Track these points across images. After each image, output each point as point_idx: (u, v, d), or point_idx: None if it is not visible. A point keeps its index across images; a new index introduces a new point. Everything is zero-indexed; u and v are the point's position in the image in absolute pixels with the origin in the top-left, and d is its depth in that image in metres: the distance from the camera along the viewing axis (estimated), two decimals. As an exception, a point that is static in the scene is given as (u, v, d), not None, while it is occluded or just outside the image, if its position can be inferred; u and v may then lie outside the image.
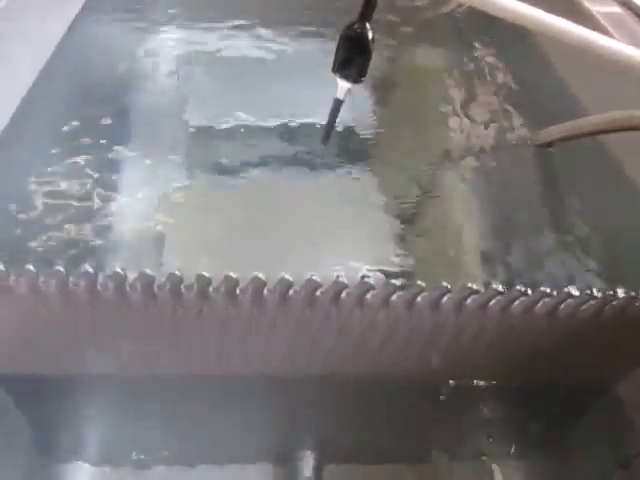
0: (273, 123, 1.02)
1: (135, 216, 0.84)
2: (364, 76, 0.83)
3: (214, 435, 0.87)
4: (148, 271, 0.62)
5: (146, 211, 0.85)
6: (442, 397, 0.83)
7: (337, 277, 0.65)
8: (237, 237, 0.83)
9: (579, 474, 0.84)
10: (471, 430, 0.87)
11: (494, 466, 0.86)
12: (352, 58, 0.82)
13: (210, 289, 0.64)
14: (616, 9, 1.03)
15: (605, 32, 0.91)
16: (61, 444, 0.84)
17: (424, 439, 0.88)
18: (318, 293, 0.66)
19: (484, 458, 0.89)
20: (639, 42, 0.73)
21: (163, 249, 0.79)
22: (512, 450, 0.88)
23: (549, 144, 0.96)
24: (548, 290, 0.67)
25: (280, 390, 0.79)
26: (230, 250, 0.80)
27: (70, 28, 1.13)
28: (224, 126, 1.01)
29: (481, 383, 0.81)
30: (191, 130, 1.01)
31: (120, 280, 0.61)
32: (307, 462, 0.86)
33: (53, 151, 0.91)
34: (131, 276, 0.62)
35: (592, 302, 0.67)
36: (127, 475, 0.86)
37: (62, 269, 0.61)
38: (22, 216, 0.80)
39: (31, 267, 0.60)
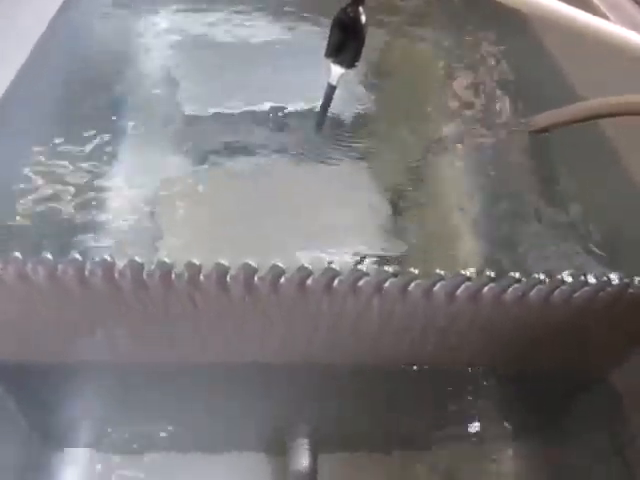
0: (266, 109, 1.01)
1: (126, 203, 0.83)
2: (358, 61, 0.82)
3: (208, 423, 0.87)
4: (137, 259, 0.61)
5: (136, 198, 0.84)
6: (438, 384, 0.83)
7: (329, 264, 0.65)
8: (229, 224, 0.82)
9: (574, 461, 0.84)
10: (467, 417, 0.87)
11: (491, 453, 0.87)
12: (345, 43, 0.81)
13: (201, 276, 0.63)
14: (614, -7, 1.02)
15: (603, 16, 0.90)
16: (53, 432, 0.84)
17: (420, 426, 0.88)
18: (310, 281, 0.65)
19: (480, 445, 0.89)
20: (637, 25, 0.72)
21: (154, 237, 0.79)
22: (508, 437, 0.88)
23: (545, 129, 0.95)
24: (542, 277, 0.66)
25: (274, 378, 0.79)
26: (222, 237, 0.80)
27: (61, 9, 1.11)
28: (216, 112, 1.00)
29: (476, 370, 0.81)
30: (183, 116, 1.00)
31: (109, 268, 0.61)
32: (302, 450, 0.86)
33: (43, 134, 0.90)
34: (120, 264, 0.61)
35: (586, 289, 0.67)
36: (121, 462, 0.86)
37: (50, 256, 0.60)
38: (10, 201, 0.79)
39: (18, 254, 0.59)
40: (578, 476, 0.84)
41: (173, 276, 0.63)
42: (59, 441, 0.86)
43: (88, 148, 0.90)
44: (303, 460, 0.85)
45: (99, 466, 0.85)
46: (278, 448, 0.88)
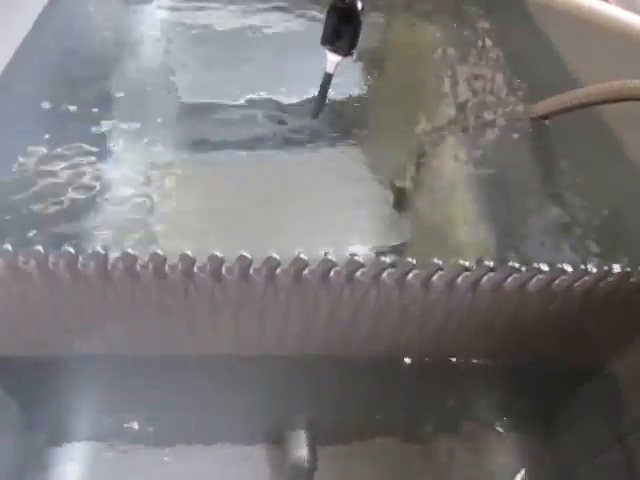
0: (263, 99, 1.00)
1: (120, 194, 0.82)
2: (354, 48, 0.81)
3: (206, 415, 0.86)
4: (130, 251, 0.60)
5: (132, 189, 0.83)
6: (436, 375, 0.82)
7: (325, 255, 0.64)
8: (226, 216, 0.81)
9: (575, 450, 0.83)
10: (467, 408, 0.87)
11: (491, 443, 0.86)
12: (341, 30, 0.80)
13: (195, 268, 0.62)
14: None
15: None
16: (51, 426, 0.84)
17: (419, 417, 0.87)
18: (306, 272, 0.64)
19: (480, 436, 0.88)
20: (637, 9, 0.70)
21: (149, 229, 0.78)
22: (508, 428, 0.88)
23: (545, 117, 0.93)
24: (542, 266, 0.66)
25: (271, 370, 0.79)
26: (218, 229, 0.79)
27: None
28: (214, 102, 0.99)
29: (476, 361, 0.80)
30: (181, 106, 0.98)
31: (101, 260, 0.60)
32: (300, 441, 0.86)
33: (38, 122, 0.89)
34: (113, 256, 0.60)
35: (586, 278, 0.66)
36: (120, 455, 0.86)
37: (41, 249, 0.59)
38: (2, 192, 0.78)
39: (9, 247, 0.58)
40: (580, 465, 0.83)
41: (167, 268, 0.62)
42: (57, 435, 0.85)
43: (84, 139, 0.89)
44: (302, 451, 0.85)
45: (98, 459, 0.85)
46: (277, 440, 0.88)
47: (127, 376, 0.78)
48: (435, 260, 0.65)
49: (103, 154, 0.87)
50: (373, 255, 0.74)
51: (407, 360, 0.78)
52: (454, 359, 0.79)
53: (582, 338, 0.75)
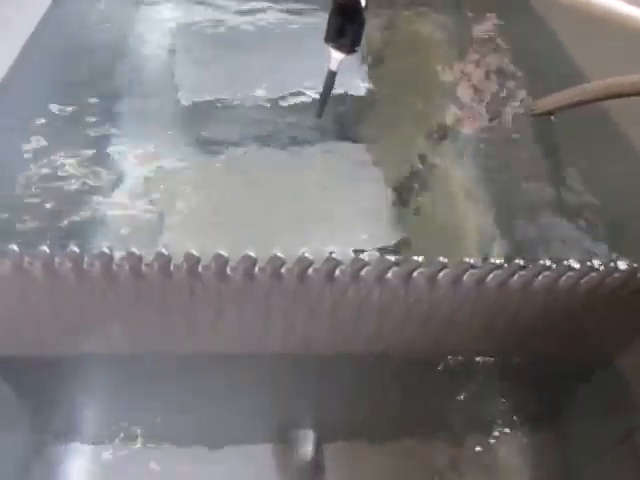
0: (265, 97, 1.00)
1: (125, 193, 0.82)
2: (358, 46, 0.81)
3: (211, 415, 0.86)
4: (135, 250, 0.60)
5: (137, 188, 0.83)
6: (441, 374, 0.82)
7: (330, 254, 0.64)
8: (229, 215, 0.81)
9: (581, 447, 0.83)
10: (473, 406, 0.87)
11: (496, 441, 0.86)
12: (345, 27, 0.80)
13: (199, 267, 0.62)
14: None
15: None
16: (56, 425, 0.84)
17: (424, 416, 0.87)
18: (311, 271, 0.64)
19: (484, 433, 0.88)
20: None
21: (153, 228, 0.78)
22: (513, 425, 0.87)
23: (550, 112, 0.93)
24: (548, 263, 0.65)
25: (275, 369, 0.79)
26: (222, 228, 0.79)
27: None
28: (215, 101, 0.99)
29: (481, 359, 0.80)
30: (182, 105, 0.98)
31: (107, 260, 0.60)
32: (307, 440, 0.86)
33: (41, 122, 0.89)
34: (118, 256, 0.60)
35: (593, 275, 0.66)
36: (121, 455, 0.86)
37: (47, 249, 0.59)
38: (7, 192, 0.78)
39: (15, 247, 0.59)
40: (587, 462, 0.83)
41: (172, 267, 0.62)
42: (59, 435, 0.85)
43: (87, 139, 0.89)
44: (308, 450, 0.85)
45: (99, 459, 0.85)
46: (282, 439, 0.88)
47: (130, 376, 0.78)
48: (440, 258, 0.64)
49: (107, 153, 0.87)
50: (378, 253, 0.74)
51: (411, 358, 0.78)
52: (459, 357, 0.79)
53: (588, 335, 0.74)
